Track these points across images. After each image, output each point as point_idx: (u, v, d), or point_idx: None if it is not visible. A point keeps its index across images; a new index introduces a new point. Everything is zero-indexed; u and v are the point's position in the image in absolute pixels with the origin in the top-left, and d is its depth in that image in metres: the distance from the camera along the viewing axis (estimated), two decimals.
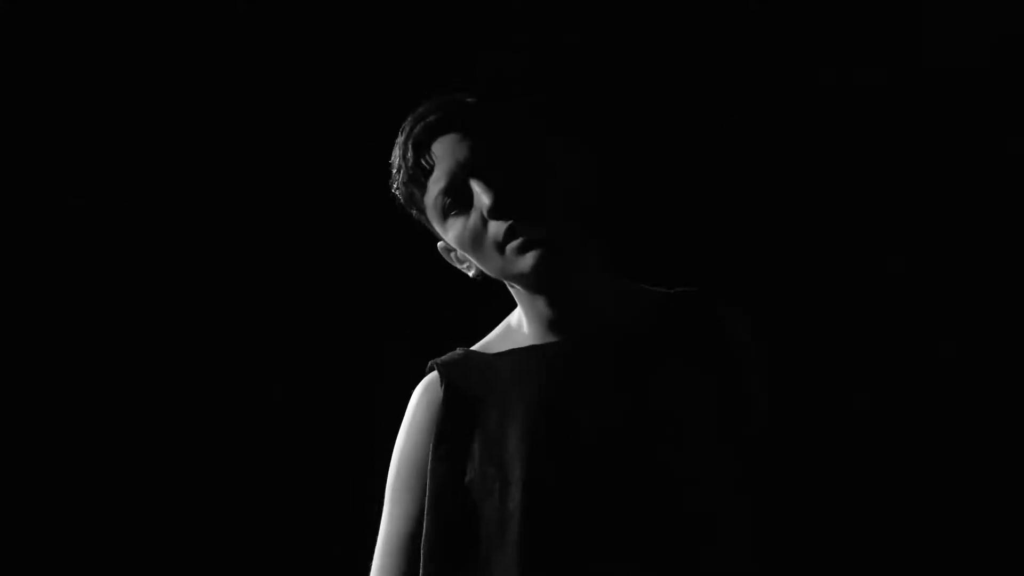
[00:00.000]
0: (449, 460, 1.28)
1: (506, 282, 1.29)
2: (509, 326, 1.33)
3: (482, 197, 1.17)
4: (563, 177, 1.24)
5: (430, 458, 1.29)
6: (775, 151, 2.88)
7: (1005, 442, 2.84)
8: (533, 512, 1.22)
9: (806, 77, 2.84)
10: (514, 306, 1.34)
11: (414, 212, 1.31)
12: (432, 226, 1.29)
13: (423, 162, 1.21)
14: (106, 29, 2.85)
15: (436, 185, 1.23)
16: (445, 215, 1.24)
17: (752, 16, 2.85)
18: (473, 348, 1.36)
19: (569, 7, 2.86)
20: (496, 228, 1.19)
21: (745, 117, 2.85)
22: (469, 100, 1.26)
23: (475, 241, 1.21)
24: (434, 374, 1.35)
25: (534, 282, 1.23)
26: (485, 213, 1.19)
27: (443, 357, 1.35)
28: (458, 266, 1.31)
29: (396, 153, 1.28)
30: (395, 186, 1.30)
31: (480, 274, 1.28)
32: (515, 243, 1.19)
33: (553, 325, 1.29)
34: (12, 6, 2.82)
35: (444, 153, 1.20)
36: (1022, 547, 2.81)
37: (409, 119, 1.28)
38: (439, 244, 1.32)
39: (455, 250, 1.28)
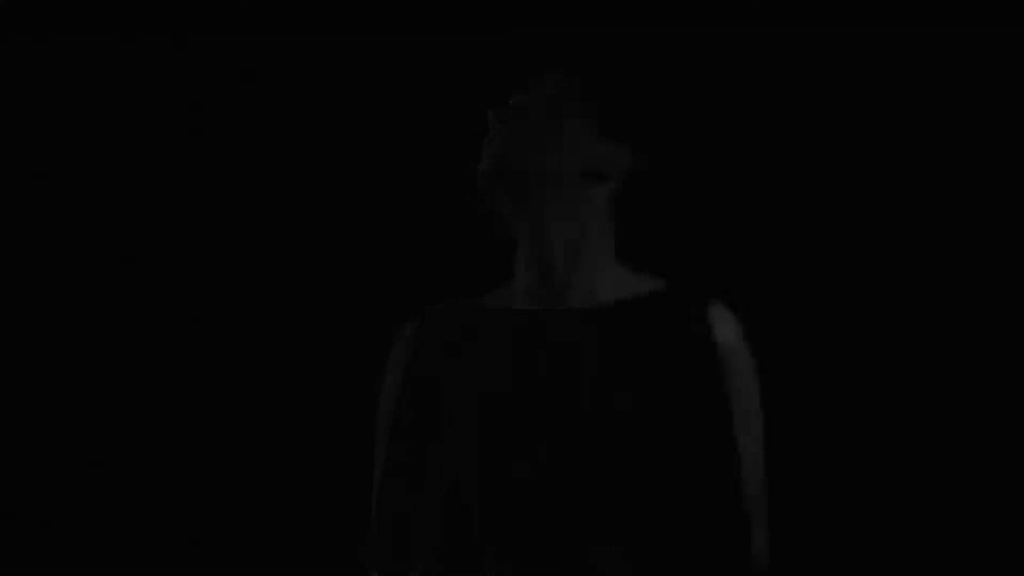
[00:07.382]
0: (411, 407, 1.36)
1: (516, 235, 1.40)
2: (509, 284, 1.43)
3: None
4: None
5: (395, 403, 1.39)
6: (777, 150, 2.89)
7: (1002, 446, 2.85)
8: (486, 480, 1.29)
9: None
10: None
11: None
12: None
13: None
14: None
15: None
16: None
17: (752, 15, 2.86)
18: (475, 298, 1.45)
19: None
20: None
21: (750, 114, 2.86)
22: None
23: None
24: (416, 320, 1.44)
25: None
26: None
27: (437, 305, 1.44)
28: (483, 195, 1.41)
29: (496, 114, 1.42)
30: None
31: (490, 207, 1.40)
32: None
33: (535, 292, 1.38)
34: (13, 5, 2.83)
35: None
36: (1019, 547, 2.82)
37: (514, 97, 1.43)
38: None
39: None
